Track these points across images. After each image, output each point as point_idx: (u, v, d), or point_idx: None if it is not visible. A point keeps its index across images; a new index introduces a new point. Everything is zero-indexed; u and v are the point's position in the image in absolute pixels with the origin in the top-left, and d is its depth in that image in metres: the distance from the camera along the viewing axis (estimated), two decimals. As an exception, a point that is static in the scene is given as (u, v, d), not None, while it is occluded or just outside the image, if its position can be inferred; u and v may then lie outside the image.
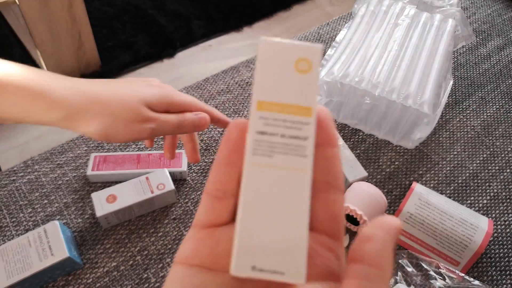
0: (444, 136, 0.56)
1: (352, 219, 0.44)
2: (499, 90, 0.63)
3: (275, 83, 0.15)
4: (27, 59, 0.90)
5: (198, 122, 0.34)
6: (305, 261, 0.13)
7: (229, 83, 0.61)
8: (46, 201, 0.46)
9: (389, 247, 0.13)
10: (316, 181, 0.15)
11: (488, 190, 0.51)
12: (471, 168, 0.53)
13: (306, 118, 0.14)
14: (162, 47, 0.96)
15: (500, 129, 0.58)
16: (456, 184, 0.51)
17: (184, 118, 0.33)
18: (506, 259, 0.45)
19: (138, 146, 0.52)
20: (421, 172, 0.52)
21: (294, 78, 0.15)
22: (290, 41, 0.15)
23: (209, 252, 0.14)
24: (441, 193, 0.50)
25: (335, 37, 0.67)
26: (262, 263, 0.13)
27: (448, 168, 0.53)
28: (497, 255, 0.46)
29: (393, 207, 0.49)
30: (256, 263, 0.13)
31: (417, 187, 0.46)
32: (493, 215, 0.49)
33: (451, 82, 0.59)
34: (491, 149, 0.55)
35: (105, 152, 0.51)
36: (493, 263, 0.45)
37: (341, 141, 0.50)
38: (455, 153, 0.55)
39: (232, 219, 0.15)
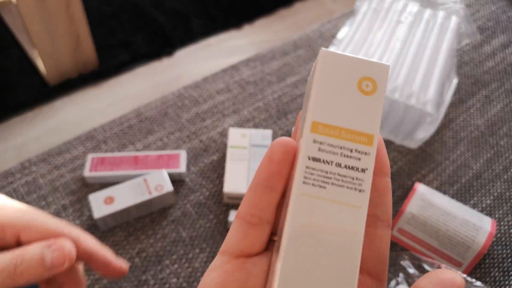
0: (447, 135, 0.55)
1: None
2: (503, 88, 0.62)
3: (334, 103, 0.13)
4: (24, 59, 0.89)
5: (49, 262, 0.19)
6: None
7: (228, 82, 0.60)
8: (43, 203, 0.46)
9: None
10: None
11: (491, 190, 0.50)
12: (474, 168, 0.52)
13: (367, 147, 0.13)
14: (161, 45, 0.95)
15: (504, 128, 0.57)
16: (459, 184, 0.51)
17: (22, 259, 0.18)
18: (510, 260, 0.45)
19: (136, 147, 0.52)
20: (424, 172, 0.51)
21: (357, 99, 0.13)
22: (355, 56, 0.14)
23: (237, 286, 0.13)
24: (444, 194, 0.50)
25: (337, 34, 0.66)
26: None
27: (451, 168, 0.52)
28: (500, 256, 0.45)
29: (395, 208, 0.48)
30: None
31: (420, 188, 0.45)
32: (497, 215, 0.48)
33: (455, 81, 0.59)
34: (495, 149, 0.55)
35: (103, 153, 0.50)
36: (496, 264, 0.44)
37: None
38: (459, 152, 0.54)
39: (265, 249, 0.14)
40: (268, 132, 0.50)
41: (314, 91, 0.13)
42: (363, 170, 0.13)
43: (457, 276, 0.12)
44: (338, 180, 0.13)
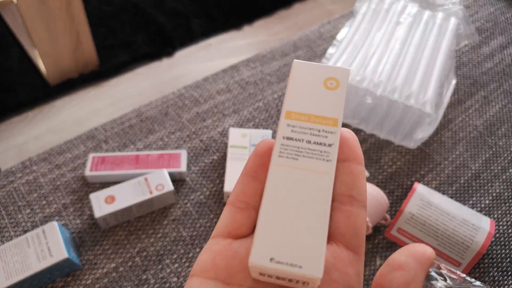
0: (446, 136, 0.56)
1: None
2: (502, 89, 0.62)
3: (304, 96, 0.16)
4: (25, 59, 0.89)
5: None
6: (323, 257, 0.13)
7: (228, 82, 0.60)
8: (44, 202, 0.46)
9: (419, 278, 0.13)
10: (340, 194, 0.15)
11: (490, 190, 0.51)
12: (473, 168, 0.53)
13: (332, 127, 0.15)
14: (161, 46, 0.95)
15: (503, 129, 0.57)
16: (458, 184, 0.51)
17: None
18: (508, 259, 0.45)
19: (137, 146, 0.52)
20: (423, 172, 0.52)
21: (323, 93, 0.16)
22: (322, 64, 0.17)
23: (226, 265, 0.14)
24: (443, 194, 0.50)
25: (336, 35, 0.66)
26: (281, 256, 0.13)
27: (450, 168, 0.52)
28: (499, 255, 0.45)
29: (394, 208, 0.48)
30: (275, 256, 0.13)
31: (419, 188, 0.45)
32: (496, 215, 0.48)
33: (454, 81, 0.59)
34: (494, 149, 0.55)
35: (103, 152, 0.51)
36: (495, 264, 0.45)
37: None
38: (458, 153, 0.54)
39: (252, 232, 0.15)
40: (268, 132, 0.51)
41: (288, 88, 0.16)
42: (329, 145, 0.15)
43: (428, 248, 0.14)
44: (308, 153, 0.15)
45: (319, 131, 0.15)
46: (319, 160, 0.15)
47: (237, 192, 0.16)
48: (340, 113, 0.16)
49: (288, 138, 0.15)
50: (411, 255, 0.13)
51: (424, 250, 0.13)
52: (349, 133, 0.16)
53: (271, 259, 0.13)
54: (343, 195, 0.15)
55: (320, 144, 0.15)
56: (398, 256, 0.13)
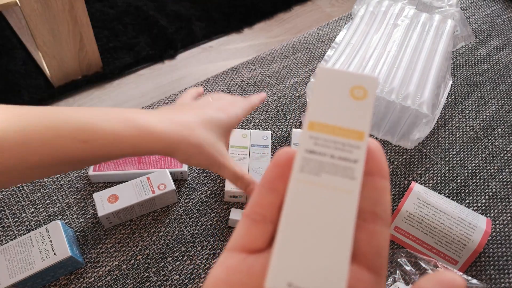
0: (443, 136, 0.56)
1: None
2: (498, 90, 0.63)
3: (329, 106, 0.15)
4: (29, 60, 0.90)
5: (261, 98, 0.41)
6: (345, 282, 0.12)
7: (229, 84, 0.61)
8: (48, 201, 0.47)
9: None
10: (363, 211, 0.14)
11: (486, 190, 0.51)
12: (470, 167, 0.53)
13: (357, 141, 0.14)
14: (163, 48, 0.96)
15: (499, 129, 0.58)
16: (455, 184, 0.51)
17: (250, 100, 0.39)
18: (504, 258, 0.46)
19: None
20: (420, 172, 0.52)
21: (349, 103, 0.15)
22: (348, 71, 0.16)
23: (240, 281, 0.14)
24: (440, 193, 0.51)
25: (335, 37, 0.67)
26: (300, 280, 0.13)
27: (447, 167, 0.53)
28: (495, 254, 0.46)
29: (392, 207, 0.49)
30: (293, 280, 0.13)
31: (416, 187, 0.46)
32: (492, 214, 0.49)
33: (450, 82, 0.60)
34: (490, 149, 0.55)
35: (107, 152, 0.51)
36: (491, 262, 0.45)
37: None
38: (454, 153, 0.55)
39: (268, 247, 0.15)
40: (268, 133, 0.51)
41: (312, 97, 0.15)
42: (354, 161, 0.14)
43: (457, 277, 0.12)
44: (332, 169, 0.14)
45: (343, 145, 0.14)
46: (343, 177, 0.14)
47: (254, 203, 0.15)
48: (367, 126, 0.14)
49: (311, 152, 0.14)
50: (438, 283, 0.12)
51: (453, 279, 0.12)
52: (374, 144, 0.15)
53: (290, 284, 0.12)
54: (366, 212, 0.14)
55: (345, 159, 0.14)
56: (425, 283, 0.12)
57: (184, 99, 0.40)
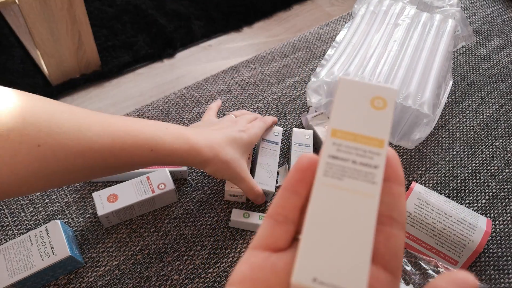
0: (443, 136, 0.56)
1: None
2: (498, 90, 0.63)
3: (350, 115, 0.16)
4: (27, 59, 0.90)
5: (274, 120, 0.50)
6: (367, 279, 0.13)
7: (229, 83, 0.61)
8: (47, 201, 0.47)
9: None
10: (381, 215, 0.15)
11: (487, 190, 0.51)
12: (470, 168, 0.53)
13: (378, 149, 0.15)
14: (162, 47, 0.96)
15: (499, 129, 0.58)
16: (455, 184, 0.52)
17: (265, 121, 0.47)
18: (504, 258, 0.46)
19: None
20: (420, 172, 0.52)
21: (369, 113, 0.16)
22: (369, 82, 0.17)
23: (264, 278, 0.14)
24: (440, 193, 0.51)
25: (335, 37, 0.67)
26: (324, 276, 0.13)
27: (447, 168, 0.53)
28: (495, 254, 0.46)
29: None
30: (318, 275, 0.13)
31: (416, 187, 0.46)
32: (492, 214, 0.49)
33: (451, 82, 0.60)
34: (490, 149, 0.56)
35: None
36: (491, 262, 0.45)
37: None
38: (454, 153, 0.55)
39: (290, 246, 0.16)
40: (279, 129, 0.51)
41: (334, 106, 0.16)
42: (375, 167, 0.15)
43: (470, 276, 0.13)
44: (354, 173, 0.15)
45: (364, 151, 0.15)
46: (364, 182, 0.15)
47: (276, 205, 0.16)
48: (387, 134, 0.15)
49: (334, 157, 0.15)
50: (452, 282, 0.13)
51: (466, 278, 0.13)
52: (391, 153, 0.16)
53: (314, 279, 0.13)
54: (383, 216, 0.15)
55: (366, 165, 0.15)
56: (439, 282, 0.13)
57: (209, 115, 0.48)
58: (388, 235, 0.15)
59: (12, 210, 0.45)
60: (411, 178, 0.52)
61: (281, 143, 0.53)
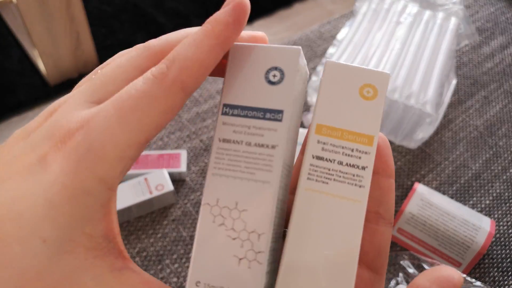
0: (446, 136, 0.56)
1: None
2: (502, 89, 0.62)
3: (337, 107, 0.14)
4: (25, 59, 0.89)
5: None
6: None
7: (229, 82, 0.60)
8: (44, 202, 0.46)
9: None
10: (367, 211, 0.14)
11: (491, 191, 0.51)
12: (473, 168, 0.53)
13: (367, 147, 0.14)
14: (161, 45, 0.95)
15: (503, 129, 0.57)
16: (458, 185, 0.51)
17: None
18: (509, 260, 0.45)
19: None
20: (423, 172, 0.52)
21: (358, 104, 0.14)
22: (358, 66, 0.15)
23: None
24: (444, 194, 0.50)
25: (337, 35, 0.66)
26: (308, 286, 0.13)
27: (450, 168, 0.52)
28: (500, 256, 0.45)
29: (395, 208, 0.48)
30: (301, 285, 0.13)
31: (419, 188, 0.45)
32: (496, 215, 0.48)
33: (454, 81, 0.59)
34: (494, 149, 0.55)
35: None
36: (495, 264, 0.45)
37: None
38: (458, 153, 0.54)
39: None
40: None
41: (319, 96, 0.15)
42: (363, 168, 0.14)
43: (455, 273, 0.12)
44: (340, 176, 0.14)
45: (352, 150, 0.14)
46: (351, 185, 0.14)
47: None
48: (376, 130, 0.14)
49: (318, 158, 0.14)
50: (435, 281, 0.12)
51: (451, 276, 0.12)
52: (382, 140, 0.14)
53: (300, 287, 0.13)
54: (369, 212, 0.14)
55: (353, 166, 0.14)
56: (421, 281, 0.12)
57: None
58: (373, 232, 0.14)
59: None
60: (414, 179, 0.51)
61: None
